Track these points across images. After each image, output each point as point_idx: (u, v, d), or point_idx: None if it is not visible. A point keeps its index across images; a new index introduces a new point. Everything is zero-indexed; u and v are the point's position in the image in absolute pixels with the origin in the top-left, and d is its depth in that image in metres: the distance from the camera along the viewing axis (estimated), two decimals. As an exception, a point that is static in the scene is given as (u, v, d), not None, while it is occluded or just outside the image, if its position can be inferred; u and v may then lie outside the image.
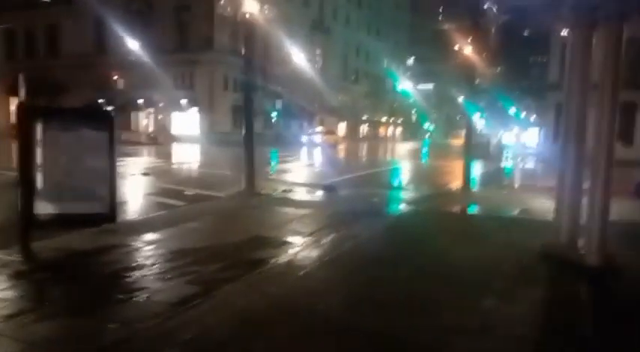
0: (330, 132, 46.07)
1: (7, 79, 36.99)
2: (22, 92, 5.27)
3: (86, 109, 8.25)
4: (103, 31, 41.60)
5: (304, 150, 31.22)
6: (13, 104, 38.96)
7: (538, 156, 27.13)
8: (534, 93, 39.04)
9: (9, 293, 4.20)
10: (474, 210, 9.92)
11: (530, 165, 24.71)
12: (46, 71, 40.51)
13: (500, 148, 33.31)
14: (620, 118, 5.23)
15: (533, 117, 50.32)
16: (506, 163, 24.72)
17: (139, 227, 6.86)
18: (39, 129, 5.82)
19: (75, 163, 6.03)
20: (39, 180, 5.77)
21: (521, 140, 34.24)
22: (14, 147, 6.00)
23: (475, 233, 7.35)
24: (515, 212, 9.26)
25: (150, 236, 6.30)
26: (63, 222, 5.82)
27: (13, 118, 35.99)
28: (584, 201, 5.41)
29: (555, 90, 24.83)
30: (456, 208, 10.04)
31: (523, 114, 50.32)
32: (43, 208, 5.69)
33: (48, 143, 5.87)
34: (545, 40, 29.91)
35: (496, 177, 18.22)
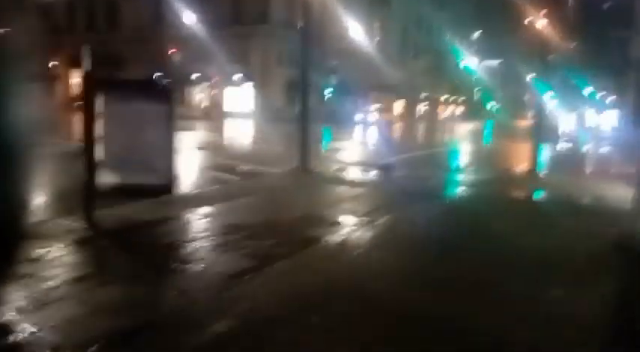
0: (386, 110, 45.32)
1: (67, 51, 38.96)
2: (87, 63, 5.53)
3: (148, 82, 8.58)
4: (161, 5, 42.84)
5: (358, 129, 31.01)
6: (73, 77, 41.19)
7: (615, 141, 25.58)
8: (614, 71, 36.57)
9: (74, 258, 4.52)
10: (541, 195, 9.54)
11: (605, 149, 23.37)
12: (105, 44, 42.36)
13: (575, 131, 31.66)
14: None
15: (610, 99, 47.30)
16: (581, 147, 23.50)
17: (195, 200, 7.14)
18: (101, 101, 6.12)
19: (135, 136, 6.31)
20: (100, 152, 6.09)
21: (597, 123, 32.33)
22: (74, 120, 6.35)
23: (542, 220, 7.08)
24: (588, 199, 8.83)
25: (206, 209, 6.54)
26: (123, 192, 6.13)
27: (72, 90, 38.14)
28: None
29: (638, 69, 23.18)
30: (522, 193, 9.70)
31: (599, 95, 47.40)
32: (105, 178, 6.01)
33: (109, 115, 6.17)
34: (628, 13, 27.81)
35: (568, 162, 17.38)
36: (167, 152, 6.26)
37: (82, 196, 5.71)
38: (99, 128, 6.08)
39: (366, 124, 34.80)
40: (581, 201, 8.75)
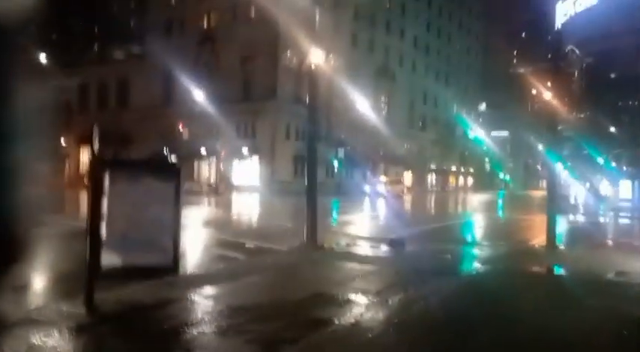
0: (396, 181, 45.55)
1: (79, 129, 40.44)
2: (96, 143, 5.72)
3: (154, 160, 8.79)
4: (171, 84, 44.96)
5: (367, 201, 31.08)
6: (83, 154, 42.39)
7: (633, 211, 25.33)
8: (626, 140, 36.99)
9: (71, 346, 4.40)
10: (560, 271, 9.31)
11: (624, 220, 23.08)
12: (116, 123, 44.03)
13: (589, 201, 31.48)
14: None
15: (625, 168, 47.43)
16: (597, 218, 23.25)
17: (200, 280, 7.04)
18: (107, 179, 6.24)
19: (140, 214, 6.36)
20: (104, 231, 6.12)
21: (613, 193, 32.19)
22: (80, 197, 6.45)
23: (563, 297, 6.86)
24: (611, 274, 8.59)
25: (210, 290, 6.43)
26: (126, 274, 6.08)
27: (82, 168, 39.08)
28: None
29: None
30: (540, 268, 9.48)
31: (613, 164, 47.64)
32: (108, 259, 5.99)
33: (115, 194, 6.26)
34: (635, 82, 28.62)
35: (585, 233, 17.13)
36: (173, 230, 6.28)
37: (83, 278, 5.67)
38: (105, 207, 6.16)
39: (374, 196, 34.95)
40: (604, 277, 8.51)
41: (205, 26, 46.61)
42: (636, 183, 29.07)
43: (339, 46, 39.27)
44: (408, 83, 58.61)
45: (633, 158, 33.94)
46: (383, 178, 44.06)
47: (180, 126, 42.36)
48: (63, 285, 6.66)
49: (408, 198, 39.14)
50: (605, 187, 35.79)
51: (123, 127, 44.67)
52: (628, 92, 32.40)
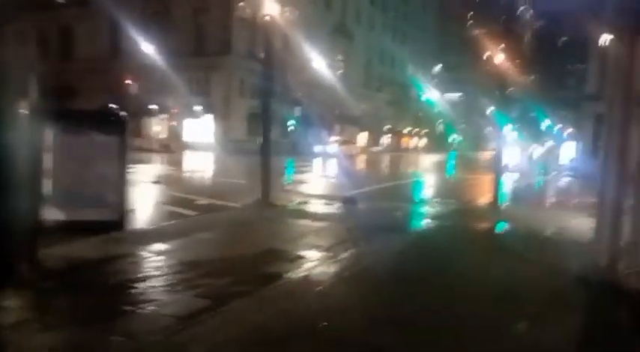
0: (348, 141, 45.35)
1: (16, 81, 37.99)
2: (34, 94, 5.40)
3: (99, 112, 8.43)
4: (118, 35, 42.62)
5: (321, 161, 31.18)
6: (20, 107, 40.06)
7: (574, 172, 26.65)
8: (571, 104, 38.48)
9: (14, 302, 4.26)
10: (504, 227, 9.75)
11: (565, 181, 24.29)
12: (59, 75, 41.57)
13: (534, 162, 32.85)
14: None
15: (568, 130, 49.63)
16: (539, 178, 24.34)
17: (148, 236, 6.93)
18: (49, 132, 5.95)
19: (85, 169, 6.14)
20: (48, 186, 5.88)
21: (557, 154, 33.70)
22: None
23: (505, 253, 7.21)
24: (549, 231, 9.08)
25: (159, 246, 6.34)
26: (71, 229, 5.91)
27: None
28: (627, 220, 5.27)
29: (594, 101, 24.48)
30: (485, 225, 9.89)
31: (558, 127, 49.67)
32: (52, 215, 5.79)
33: (58, 148, 6.00)
34: (583, 48, 29.55)
35: (528, 193, 17.95)
36: (119, 186, 6.11)
37: (24, 235, 5.46)
38: (47, 161, 5.89)
39: (326, 156, 35.01)
40: (543, 233, 8.98)
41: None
42: (579, 144, 30.48)
43: (295, 0, 38.23)
44: (365, 42, 58.11)
45: (577, 120, 35.45)
46: (334, 138, 43.98)
47: (128, 81, 40.52)
48: (2, 242, 6.38)
49: (361, 158, 39.55)
50: (547, 149, 37.39)
51: (66, 80, 42.32)
52: (575, 56, 33.50)
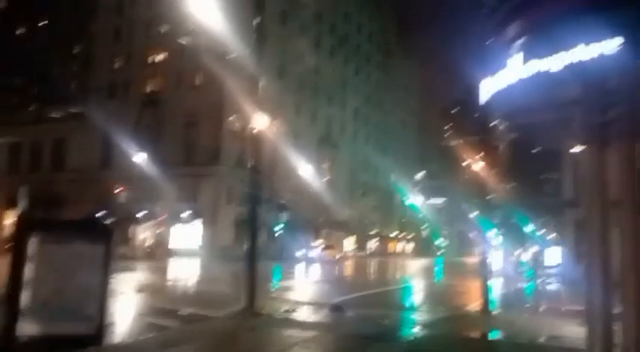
0: (330, 246, 44.24)
1: (7, 192, 38.12)
2: (23, 204, 5.40)
3: (83, 222, 8.35)
4: (110, 146, 43.76)
5: (303, 266, 30.61)
6: (7, 217, 39.64)
7: (561, 277, 26.45)
8: (551, 210, 39.29)
9: None
10: (496, 335, 9.42)
11: (553, 286, 23.98)
12: (50, 185, 41.96)
13: (520, 268, 32.64)
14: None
15: (551, 235, 50.08)
16: (528, 284, 24.04)
17: (126, 351, 6.52)
18: (34, 243, 5.84)
19: (66, 279, 5.94)
20: (26, 298, 5.64)
21: (542, 259, 33.68)
22: (3, 263, 5.98)
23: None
24: (542, 338, 8.78)
25: (138, 362, 5.95)
26: (46, 344, 5.56)
27: (5, 232, 36.42)
28: (618, 326, 5.15)
29: (572, 207, 25.02)
30: (476, 333, 9.56)
31: (541, 232, 50.17)
32: (27, 329, 5.48)
33: (40, 258, 5.85)
34: (558, 156, 30.87)
35: (518, 298, 17.60)
36: (100, 297, 5.87)
37: (-4, 350, 5.13)
38: (29, 272, 5.72)
39: (308, 262, 34.39)
40: (536, 341, 8.67)
41: (149, 90, 46.59)
42: (563, 249, 30.56)
43: (283, 114, 40.19)
44: (349, 152, 60.36)
45: (558, 226, 35.89)
46: (317, 243, 43.60)
47: (117, 190, 40.81)
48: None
49: (347, 263, 38.98)
50: (532, 254, 37.41)
51: (56, 190, 42.54)
52: (549, 165, 34.90)
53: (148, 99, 45.75)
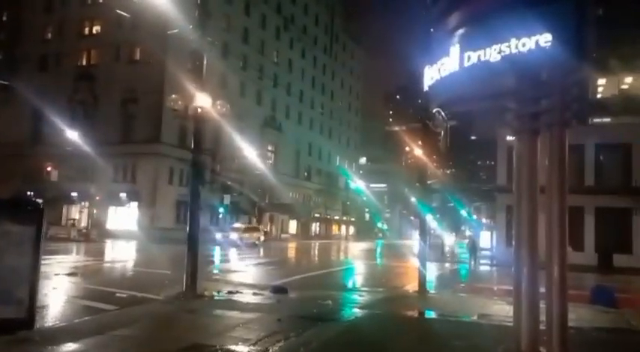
0: (253, 229, 39.58)
1: None
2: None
3: (11, 200, 7.89)
4: (41, 121, 41.36)
5: (222, 250, 28.44)
6: None
7: (493, 260, 27.91)
8: (485, 195, 41.21)
9: None
10: (431, 314, 9.85)
11: (486, 267, 25.29)
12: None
13: (455, 250, 34.12)
14: (569, 222, 5.55)
15: (485, 220, 52.56)
16: (462, 265, 25.23)
17: (59, 335, 6.29)
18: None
19: (-8, 261, 5.63)
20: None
21: (477, 242, 35.36)
22: None
23: (434, 339, 7.24)
24: (474, 316, 9.27)
25: (71, 346, 5.77)
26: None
27: None
28: (543, 305, 5.52)
29: (504, 192, 26.37)
30: (413, 312, 9.95)
31: (476, 216, 52.55)
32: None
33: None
34: (493, 144, 32.31)
35: (452, 279, 18.46)
36: (30, 280, 5.62)
37: None
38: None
39: (226, 244, 32.00)
40: (468, 319, 9.15)
41: (84, 63, 44.27)
42: (495, 233, 32.22)
43: (227, 94, 39.44)
44: (294, 134, 60.22)
45: (491, 210, 37.74)
46: (237, 225, 39.10)
47: (48, 167, 38.71)
48: None
49: (291, 246, 39.23)
50: (467, 237, 39.18)
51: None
52: (484, 153, 36.50)
53: (83, 73, 43.49)
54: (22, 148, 41.43)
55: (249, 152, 40.97)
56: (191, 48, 12.59)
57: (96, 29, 44.45)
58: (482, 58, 5.43)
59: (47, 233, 23.74)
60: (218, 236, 34.22)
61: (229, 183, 41.13)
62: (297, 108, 62.91)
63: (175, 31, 31.49)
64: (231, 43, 47.38)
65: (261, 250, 31.27)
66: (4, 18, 51.01)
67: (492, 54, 5.32)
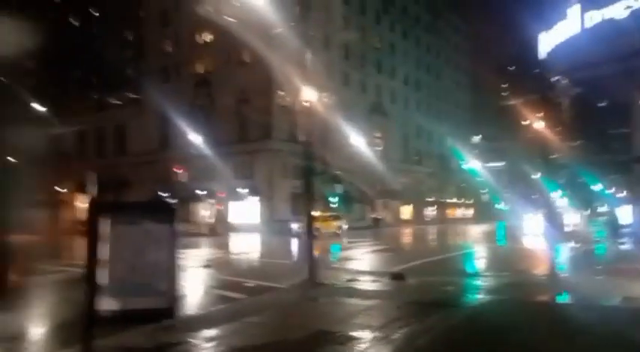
0: (331, 217, 34.28)
1: (76, 177, 40.50)
2: (94, 189, 5.73)
3: (150, 203, 8.77)
4: (167, 128, 45.33)
5: (293, 241, 26.05)
6: (78, 201, 42.25)
7: (633, 237, 25.15)
8: (620, 167, 37.20)
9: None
10: (564, 299, 9.17)
11: (626, 246, 22.90)
12: (113, 169, 44.21)
13: (590, 228, 31.29)
14: None
15: (622, 194, 47.52)
16: (597, 245, 23.07)
17: (198, 322, 6.90)
18: (106, 224, 6.22)
19: (138, 257, 6.30)
20: (104, 276, 6.05)
21: (615, 219, 31.98)
22: (76, 244, 6.39)
23: (567, 326, 6.73)
24: (616, 300, 8.47)
25: (209, 332, 6.29)
26: (124, 318, 5.96)
27: (77, 215, 38.89)
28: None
29: (644, 162, 23.60)
30: (545, 297, 9.34)
31: (611, 191, 47.71)
32: (107, 304, 5.89)
33: (114, 238, 6.22)
34: (626, 109, 29.02)
35: (587, 260, 16.96)
36: (170, 273, 6.19)
37: (81, 325, 5.56)
38: (104, 252, 6.11)
39: (300, 237, 25.51)
40: (609, 303, 8.39)
41: (200, 70, 47.55)
42: (635, 207, 29.00)
43: (332, 85, 39.89)
44: (401, 119, 59.27)
45: (629, 183, 34.02)
46: (317, 213, 30.22)
47: (177, 170, 42.40)
48: (62, 333, 6.52)
49: (397, 232, 38.80)
50: (606, 213, 35.72)
51: (120, 173, 44.76)
52: (617, 120, 32.86)
53: (200, 80, 46.73)
54: (153, 154, 45.80)
55: (358, 140, 41.17)
56: (294, 44, 12.93)
57: (208, 38, 47.43)
58: (607, 16, 4.90)
59: (181, 229, 26.00)
60: (294, 226, 30.86)
61: (340, 172, 41.75)
62: (403, 92, 61.78)
63: (279, 29, 32.59)
64: (332, 34, 47.79)
65: (377, 237, 31.39)
66: (130, 37, 56.45)
67: (618, 10, 4.77)
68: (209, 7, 43.63)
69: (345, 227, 35.14)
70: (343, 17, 50.72)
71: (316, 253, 10.51)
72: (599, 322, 6.71)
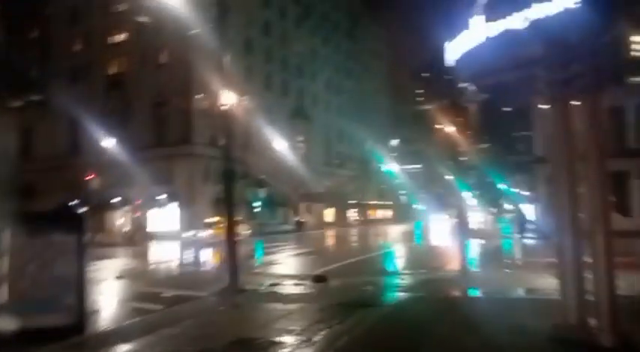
0: (218, 224, 30.82)
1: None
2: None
3: (54, 212, 8.21)
4: (78, 132, 42.69)
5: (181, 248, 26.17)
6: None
7: (537, 233, 27.22)
8: (524, 167, 40.14)
9: None
10: (475, 293, 9.72)
11: (529, 242, 24.71)
12: (18, 175, 40.81)
13: (497, 226, 33.46)
14: (614, 188, 5.36)
15: (526, 193, 51.26)
16: (504, 242, 24.72)
17: (110, 338, 6.53)
18: (6, 236, 5.75)
19: (42, 271, 5.88)
20: (3, 293, 5.58)
21: (522, 215, 34.47)
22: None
23: (479, 318, 7.14)
24: (521, 292, 9.11)
25: (122, 347, 5.98)
26: (27, 338, 5.53)
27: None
28: (589, 276, 5.36)
29: (543, 163, 25.61)
30: (457, 292, 9.85)
31: (516, 190, 51.29)
32: (5, 324, 5.43)
33: (14, 251, 5.76)
34: (528, 114, 31.37)
35: (495, 256, 18.12)
36: (78, 287, 5.84)
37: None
38: (3, 266, 5.64)
39: (197, 246, 26.04)
40: (514, 295, 9.00)
41: (114, 71, 45.34)
42: (537, 205, 31.41)
43: (253, 88, 39.61)
44: (323, 123, 60.13)
45: (531, 183, 36.77)
46: (212, 220, 32.90)
47: (89, 176, 39.96)
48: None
49: (320, 235, 39.36)
50: (513, 210, 38.31)
51: (25, 180, 41.47)
52: (520, 123, 35.48)
53: (113, 81, 44.56)
54: (63, 160, 42.93)
55: (280, 144, 41.21)
56: (213, 47, 12.70)
57: (120, 38, 45.34)
58: (508, 27, 5.27)
59: (92, 239, 24.48)
60: (187, 234, 29.73)
61: (263, 176, 41.52)
62: (325, 96, 62.76)
63: (196, 31, 31.85)
64: (252, 38, 47.51)
65: (301, 240, 31.59)
66: (35, 34, 52.57)
67: (517, 21, 5.16)
68: (123, 5, 41.82)
69: (247, 232, 32.80)
70: (264, 21, 50.63)
71: (215, 261, 10.34)
72: (505, 313, 7.19)
